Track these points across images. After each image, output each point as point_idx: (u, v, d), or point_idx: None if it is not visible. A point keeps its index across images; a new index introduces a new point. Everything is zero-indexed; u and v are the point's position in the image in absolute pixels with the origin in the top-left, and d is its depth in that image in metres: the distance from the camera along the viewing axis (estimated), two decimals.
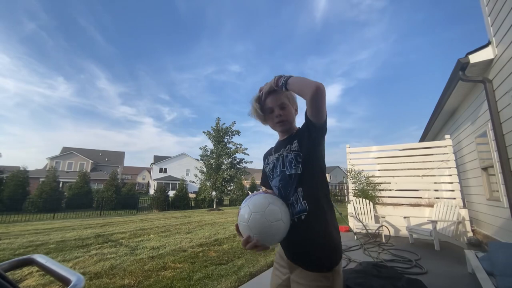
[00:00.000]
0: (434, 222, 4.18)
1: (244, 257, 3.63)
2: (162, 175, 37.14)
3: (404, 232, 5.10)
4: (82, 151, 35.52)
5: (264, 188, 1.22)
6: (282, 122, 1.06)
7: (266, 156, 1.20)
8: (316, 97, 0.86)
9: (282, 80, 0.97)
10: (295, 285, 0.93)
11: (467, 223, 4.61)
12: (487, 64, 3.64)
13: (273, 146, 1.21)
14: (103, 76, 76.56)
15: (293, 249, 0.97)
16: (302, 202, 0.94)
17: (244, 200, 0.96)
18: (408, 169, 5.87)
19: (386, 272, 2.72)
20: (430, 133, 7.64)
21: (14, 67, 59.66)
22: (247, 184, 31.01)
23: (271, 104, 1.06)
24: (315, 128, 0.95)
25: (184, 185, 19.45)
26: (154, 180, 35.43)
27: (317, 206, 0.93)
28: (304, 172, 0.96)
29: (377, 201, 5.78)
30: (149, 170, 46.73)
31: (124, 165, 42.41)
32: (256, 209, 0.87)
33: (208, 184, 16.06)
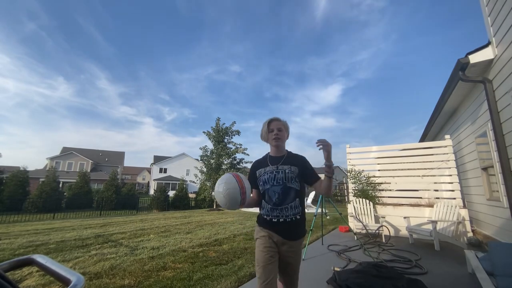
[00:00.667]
0: (434, 222, 4.18)
1: (244, 257, 3.63)
2: (162, 175, 37.15)
3: (404, 232, 5.11)
4: (82, 151, 35.51)
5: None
6: (277, 139, 1.58)
7: (260, 165, 1.64)
8: (323, 195, 1.64)
9: (330, 174, 1.42)
10: (288, 252, 1.50)
11: (467, 223, 4.61)
12: (487, 64, 3.64)
13: (261, 157, 1.71)
14: (103, 76, 76.50)
15: (292, 233, 1.51)
16: (299, 208, 1.53)
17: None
18: (408, 169, 5.87)
19: (386, 272, 2.72)
20: (430, 133, 7.64)
21: (14, 67, 59.63)
22: None
23: (273, 126, 1.61)
24: (306, 180, 1.59)
25: (184, 185, 19.44)
26: (154, 180, 35.43)
27: (303, 210, 1.56)
28: (300, 189, 1.56)
29: (377, 201, 5.78)
30: (149, 170, 46.75)
31: (124, 165, 42.41)
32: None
33: (208, 184, 16.05)
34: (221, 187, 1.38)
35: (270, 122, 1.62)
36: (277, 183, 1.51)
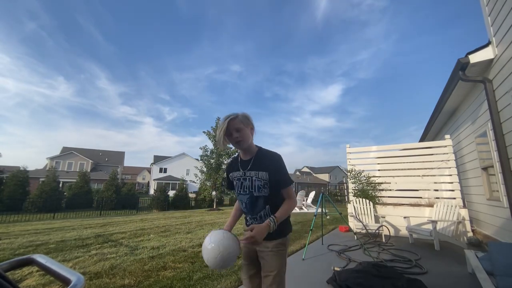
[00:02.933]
0: (434, 222, 4.18)
1: None
2: (162, 175, 37.17)
3: (404, 232, 5.11)
4: (82, 151, 35.51)
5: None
6: (239, 142, 1.33)
7: (232, 168, 1.47)
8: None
9: (272, 226, 1.25)
10: (261, 253, 1.35)
11: (467, 223, 4.61)
12: (487, 64, 3.64)
13: (235, 156, 1.58)
14: (103, 76, 76.47)
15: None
16: (270, 214, 1.33)
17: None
18: (408, 169, 5.87)
19: (386, 272, 2.72)
20: (430, 133, 7.64)
21: (14, 67, 59.64)
22: None
23: (230, 128, 1.32)
24: (279, 186, 1.36)
25: (184, 185, 19.45)
26: (154, 180, 35.45)
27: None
28: (270, 194, 1.34)
29: (377, 201, 5.78)
30: (149, 170, 46.76)
31: (124, 165, 42.40)
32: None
33: (208, 184, 16.07)
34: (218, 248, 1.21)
35: (224, 124, 1.32)
36: (243, 191, 1.37)
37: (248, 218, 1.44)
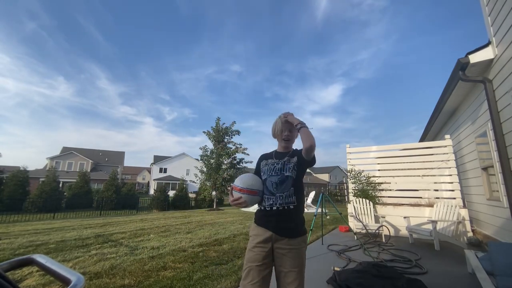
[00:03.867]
0: (434, 222, 4.18)
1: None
2: (162, 175, 37.15)
3: (404, 232, 5.11)
4: (82, 151, 35.51)
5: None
6: (288, 140, 1.63)
7: (265, 158, 1.68)
8: (309, 149, 1.43)
9: (299, 125, 1.50)
10: (283, 250, 1.39)
11: (467, 223, 4.61)
12: (487, 64, 3.64)
13: (269, 151, 1.74)
14: (103, 76, 76.57)
15: (286, 226, 1.42)
16: (293, 197, 1.47)
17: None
18: (408, 169, 5.87)
19: (386, 272, 2.72)
20: (430, 133, 7.64)
21: (14, 67, 59.76)
22: None
23: (284, 127, 1.63)
24: (305, 161, 1.53)
25: (184, 185, 19.43)
26: (154, 180, 35.44)
27: (300, 201, 1.50)
28: (297, 178, 1.52)
29: (377, 201, 5.78)
30: (149, 170, 46.74)
31: (124, 165, 42.39)
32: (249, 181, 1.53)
33: (208, 184, 16.05)
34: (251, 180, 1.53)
35: (283, 122, 1.64)
36: (275, 173, 1.53)
37: (271, 198, 1.48)
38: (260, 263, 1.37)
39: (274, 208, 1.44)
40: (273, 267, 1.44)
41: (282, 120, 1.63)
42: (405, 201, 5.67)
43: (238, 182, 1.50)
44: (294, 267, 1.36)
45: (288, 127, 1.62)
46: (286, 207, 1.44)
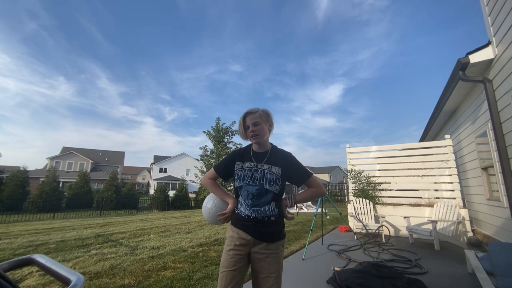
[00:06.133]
0: (434, 222, 4.19)
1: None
2: (162, 175, 37.14)
3: (404, 232, 5.11)
4: (82, 151, 35.51)
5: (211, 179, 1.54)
6: (256, 135, 1.38)
7: (240, 157, 1.45)
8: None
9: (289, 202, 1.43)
10: (261, 254, 1.31)
11: (467, 223, 4.61)
12: (487, 64, 3.64)
13: (244, 146, 1.55)
14: (104, 75, 76.60)
15: (264, 232, 1.33)
16: (275, 210, 1.35)
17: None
18: (408, 169, 5.87)
19: (386, 272, 2.72)
20: (430, 133, 7.64)
21: (15, 67, 59.74)
22: None
23: (248, 122, 1.40)
24: (292, 182, 1.41)
25: (184, 185, 19.44)
26: (154, 180, 35.43)
27: (280, 215, 1.38)
28: (279, 192, 1.37)
29: (377, 201, 5.78)
30: (149, 170, 46.74)
31: (124, 165, 42.41)
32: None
33: None
34: (210, 204, 1.44)
35: (244, 117, 1.41)
36: (253, 183, 1.35)
37: (246, 210, 1.34)
38: (234, 267, 1.29)
39: (252, 217, 1.33)
40: (249, 271, 1.37)
41: (243, 116, 1.42)
42: (405, 201, 5.67)
43: (206, 215, 1.44)
44: (272, 272, 1.29)
45: (252, 121, 1.38)
46: (266, 218, 1.33)
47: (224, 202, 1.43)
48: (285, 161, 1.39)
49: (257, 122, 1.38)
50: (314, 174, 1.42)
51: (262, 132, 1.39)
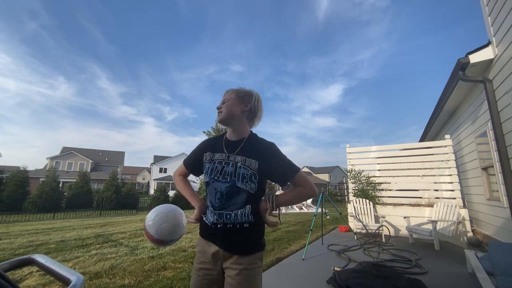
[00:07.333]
0: (434, 222, 4.18)
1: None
2: (162, 175, 37.13)
3: (404, 232, 5.10)
4: (82, 151, 35.50)
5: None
6: (219, 113, 1.14)
7: (211, 147, 1.18)
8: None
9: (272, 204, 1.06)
10: (231, 271, 1.01)
11: (467, 223, 4.61)
12: (487, 64, 3.64)
13: (216, 137, 1.24)
14: (104, 75, 76.69)
15: (233, 240, 1.03)
16: (250, 216, 1.04)
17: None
18: (408, 169, 5.87)
19: (386, 272, 2.72)
20: (430, 133, 7.64)
21: (15, 66, 59.79)
22: None
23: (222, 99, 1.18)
24: (274, 181, 1.14)
25: None
26: (154, 180, 35.43)
27: (258, 216, 1.06)
28: (256, 192, 1.05)
29: (377, 201, 5.78)
30: (149, 170, 46.73)
31: (124, 165, 42.41)
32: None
33: None
34: (151, 219, 1.06)
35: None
36: (223, 179, 1.06)
37: (211, 216, 1.07)
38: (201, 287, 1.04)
39: (219, 226, 1.04)
40: None
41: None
42: (405, 201, 5.67)
43: (152, 229, 1.02)
44: None
45: (224, 97, 1.16)
46: (238, 225, 1.03)
47: (175, 216, 1.08)
48: (264, 152, 1.07)
49: (226, 99, 1.15)
50: (301, 169, 1.10)
51: (228, 109, 1.12)
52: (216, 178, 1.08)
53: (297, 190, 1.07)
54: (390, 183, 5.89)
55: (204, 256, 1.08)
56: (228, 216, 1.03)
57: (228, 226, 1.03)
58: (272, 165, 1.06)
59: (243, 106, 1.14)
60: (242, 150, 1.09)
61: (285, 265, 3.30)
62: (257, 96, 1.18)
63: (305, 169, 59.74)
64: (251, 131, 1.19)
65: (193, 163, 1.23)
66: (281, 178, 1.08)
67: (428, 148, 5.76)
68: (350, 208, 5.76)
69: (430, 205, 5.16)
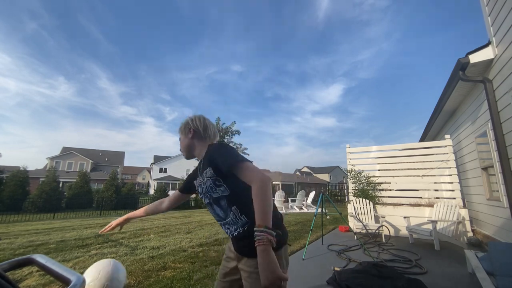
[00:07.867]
0: (434, 222, 4.19)
1: None
2: (162, 175, 37.15)
3: (404, 232, 5.11)
4: (82, 151, 35.50)
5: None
6: (182, 153, 1.33)
7: (195, 172, 1.34)
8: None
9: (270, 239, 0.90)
10: (242, 272, 1.07)
11: (467, 223, 4.61)
12: (487, 64, 3.64)
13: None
14: (104, 75, 76.54)
15: (242, 244, 1.08)
16: (241, 217, 1.06)
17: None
18: (408, 169, 5.87)
19: (386, 272, 2.72)
20: (430, 133, 7.64)
21: (15, 66, 59.76)
22: None
23: None
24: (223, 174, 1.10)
25: None
26: (154, 180, 35.43)
27: (251, 216, 1.00)
28: (231, 192, 1.08)
29: (377, 201, 5.79)
30: (149, 170, 46.73)
31: (124, 165, 42.39)
32: None
33: None
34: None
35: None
36: (205, 197, 1.19)
37: (220, 224, 1.19)
38: (224, 279, 1.17)
39: (230, 236, 1.15)
40: None
41: None
42: (405, 201, 5.67)
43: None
44: None
45: (180, 136, 1.35)
46: (240, 231, 1.07)
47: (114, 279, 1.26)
48: (212, 155, 1.13)
49: (180, 139, 1.34)
50: (249, 162, 1.04)
51: (182, 147, 1.32)
52: (204, 199, 1.22)
53: (253, 195, 0.94)
54: (390, 183, 5.89)
55: (230, 252, 1.20)
56: (226, 226, 1.13)
57: (234, 234, 1.10)
58: (217, 161, 1.08)
59: (188, 135, 1.28)
60: (202, 166, 1.19)
61: None
62: (195, 118, 1.30)
63: (305, 169, 59.75)
64: (211, 145, 1.25)
65: (187, 188, 1.45)
66: (223, 168, 1.04)
67: (428, 148, 5.76)
68: (350, 208, 5.76)
69: (430, 205, 5.16)
